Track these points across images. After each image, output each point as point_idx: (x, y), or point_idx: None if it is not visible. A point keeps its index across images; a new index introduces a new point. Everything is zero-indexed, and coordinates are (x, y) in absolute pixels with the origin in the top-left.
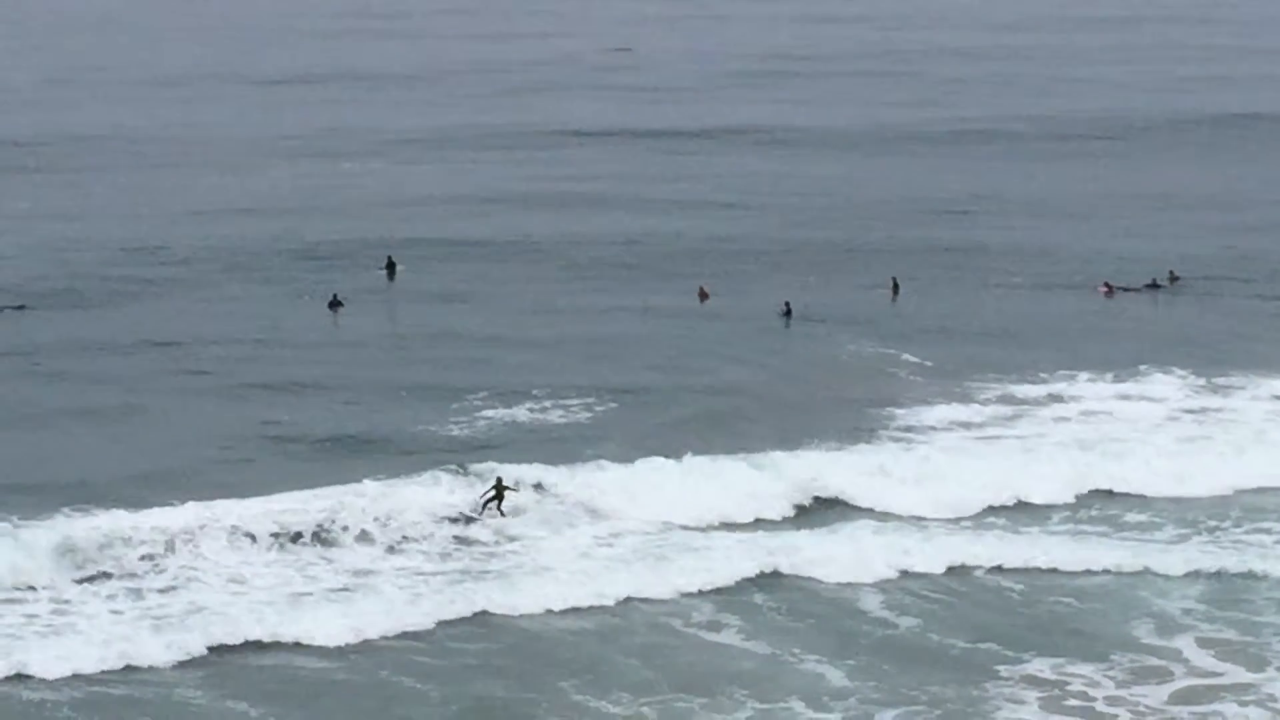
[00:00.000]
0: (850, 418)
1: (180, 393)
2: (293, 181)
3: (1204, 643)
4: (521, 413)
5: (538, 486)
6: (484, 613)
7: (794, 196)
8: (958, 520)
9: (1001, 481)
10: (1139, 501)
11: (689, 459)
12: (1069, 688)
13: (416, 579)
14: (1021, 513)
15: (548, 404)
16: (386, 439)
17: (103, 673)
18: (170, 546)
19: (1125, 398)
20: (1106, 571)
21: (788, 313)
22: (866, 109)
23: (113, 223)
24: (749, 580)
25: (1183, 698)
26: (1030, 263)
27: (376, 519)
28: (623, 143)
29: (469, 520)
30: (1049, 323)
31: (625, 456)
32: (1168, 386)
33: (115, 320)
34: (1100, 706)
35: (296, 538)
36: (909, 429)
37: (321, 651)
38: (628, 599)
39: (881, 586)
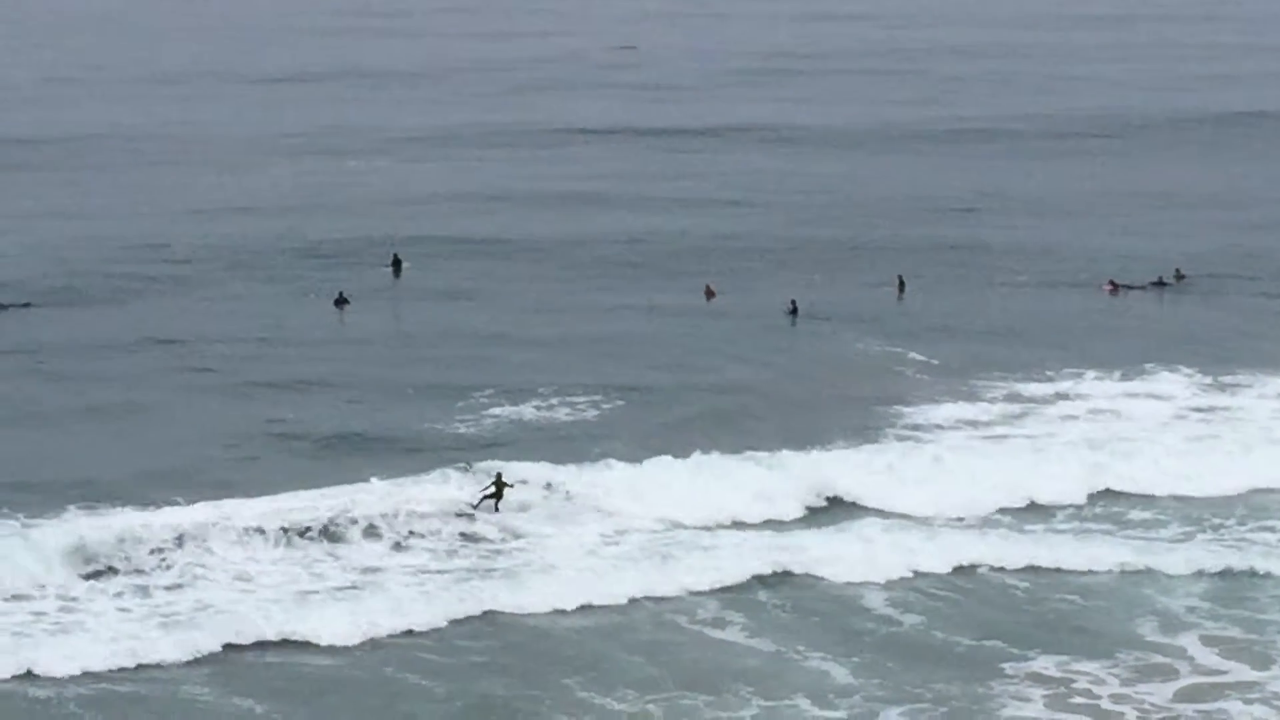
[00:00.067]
0: (857, 416)
1: (185, 391)
2: (296, 179)
3: (1209, 641)
4: (528, 411)
5: (547, 486)
6: (490, 611)
7: (799, 194)
8: (966, 520)
9: (1011, 482)
10: (1146, 500)
11: (696, 458)
12: (1074, 685)
13: (423, 577)
14: (1028, 511)
15: (554, 401)
16: (393, 437)
17: (110, 670)
18: (177, 545)
19: (1132, 396)
20: (1111, 570)
21: (794, 311)
22: (870, 107)
23: (115, 221)
24: (755, 579)
25: (1188, 695)
26: (1035, 261)
27: (383, 517)
28: (628, 141)
29: (475, 518)
30: (1054, 321)
31: (632, 455)
32: (1174, 385)
33: (119, 318)
34: (1106, 704)
35: (304, 535)
36: (916, 427)
37: (328, 649)
38: (633, 597)
39: (887, 585)
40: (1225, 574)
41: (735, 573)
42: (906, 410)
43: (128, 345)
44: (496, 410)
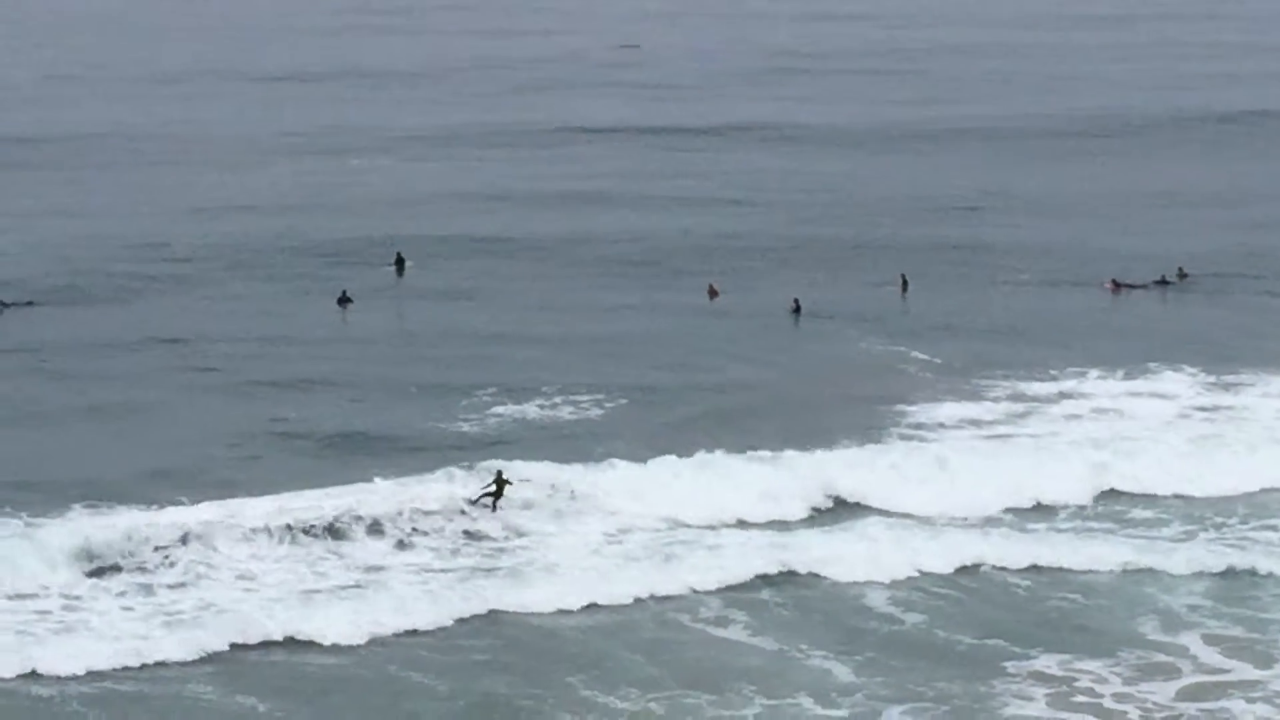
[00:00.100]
0: (860, 415)
1: (188, 390)
2: (298, 179)
3: (1211, 640)
4: (531, 410)
5: (550, 485)
6: (493, 610)
7: (801, 193)
8: (969, 519)
9: (1014, 481)
10: (1149, 500)
11: (699, 457)
12: (1076, 684)
13: (427, 576)
14: (1030, 510)
15: (557, 400)
16: (396, 435)
17: (114, 669)
18: (181, 544)
19: (1136, 395)
20: (1113, 569)
21: (796, 310)
22: (873, 106)
23: (118, 220)
24: (758, 578)
25: (1190, 694)
26: (1038, 260)
27: (386, 515)
28: (631, 140)
29: (476, 517)
30: (1057, 320)
31: (635, 454)
32: (1178, 384)
33: (122, 317)
34: (1108, 703)
35: (307, 534)
36: (919, 426)
37: (331, 648)
38: (636, 596)
39: (889, 584)
40: (1227, 573)
41: (738, 572)
42: (909, 409)
43: (131, 344)
44: (500, 409)
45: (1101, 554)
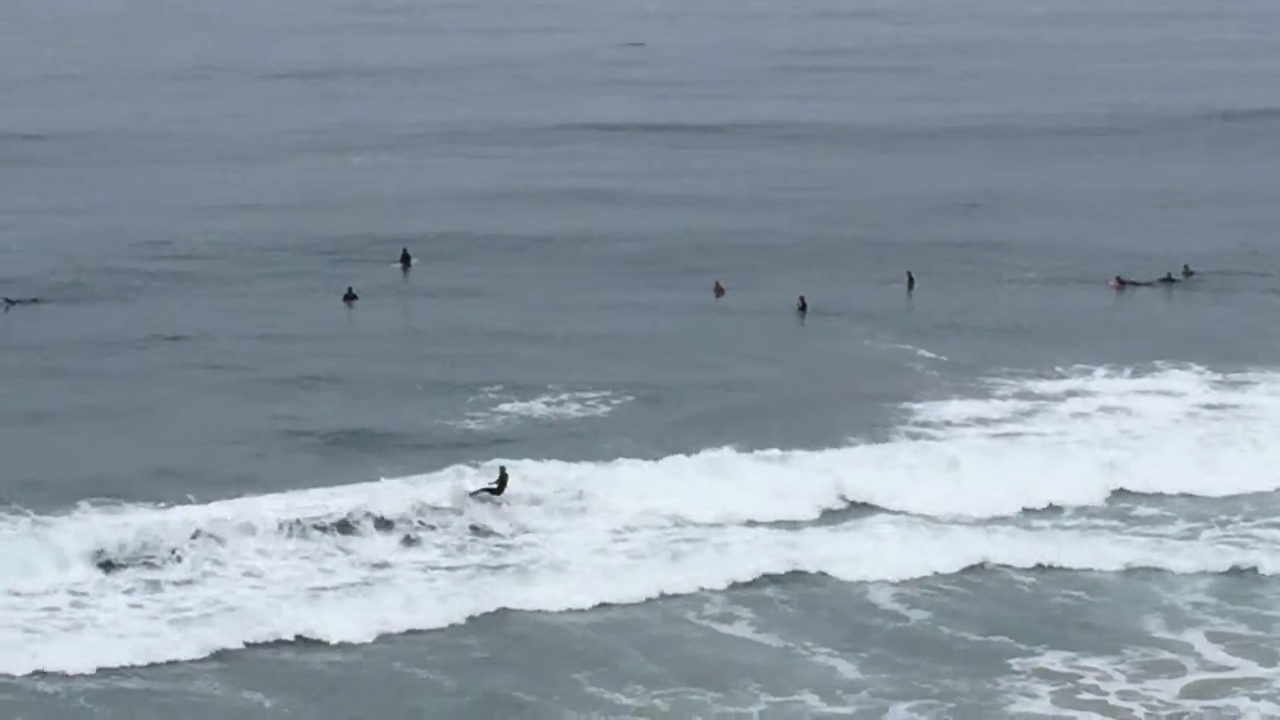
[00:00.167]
0: (867, 414)
1: (194, 387)
2: (302, 176)
3: (1215, 637)
4: (538, 407)
5: (557, 482)
6: (500, 607)
7: (807, 191)
8: (976, 518)
9: (1022, 480)
10: (1156, 498)
11: (706, 455)
12: (1081, 681)
13: (433, 573)
14: (1038, 509)
15: (564, 398)
16: (402, 433)
17: (121, 667)
18: (189, 541)
19: (1143, 393)
20: (1118, 567)
21: (803, 308)
22: (878, 104)
23: (123, 217)
24: (764, 576)
25: (1195, 692)
26: (1044, 258)
27: (393, 513)
28: (636, 138)
29: (482, 514)
30: (1063, 318)
31: (642, 452)
32: (1185, 382)
33: (127, 315)
34: (1113, 700)
35: (314, 531)
36: (926, 424)
37: (338, 645)
38: (643, 594)
39: (895, 582)
40: (1232, 571)
41: (743, 570)
42: (916, 407)
43: (136, 342)
44: (506, 407)
45: (1106, 551)
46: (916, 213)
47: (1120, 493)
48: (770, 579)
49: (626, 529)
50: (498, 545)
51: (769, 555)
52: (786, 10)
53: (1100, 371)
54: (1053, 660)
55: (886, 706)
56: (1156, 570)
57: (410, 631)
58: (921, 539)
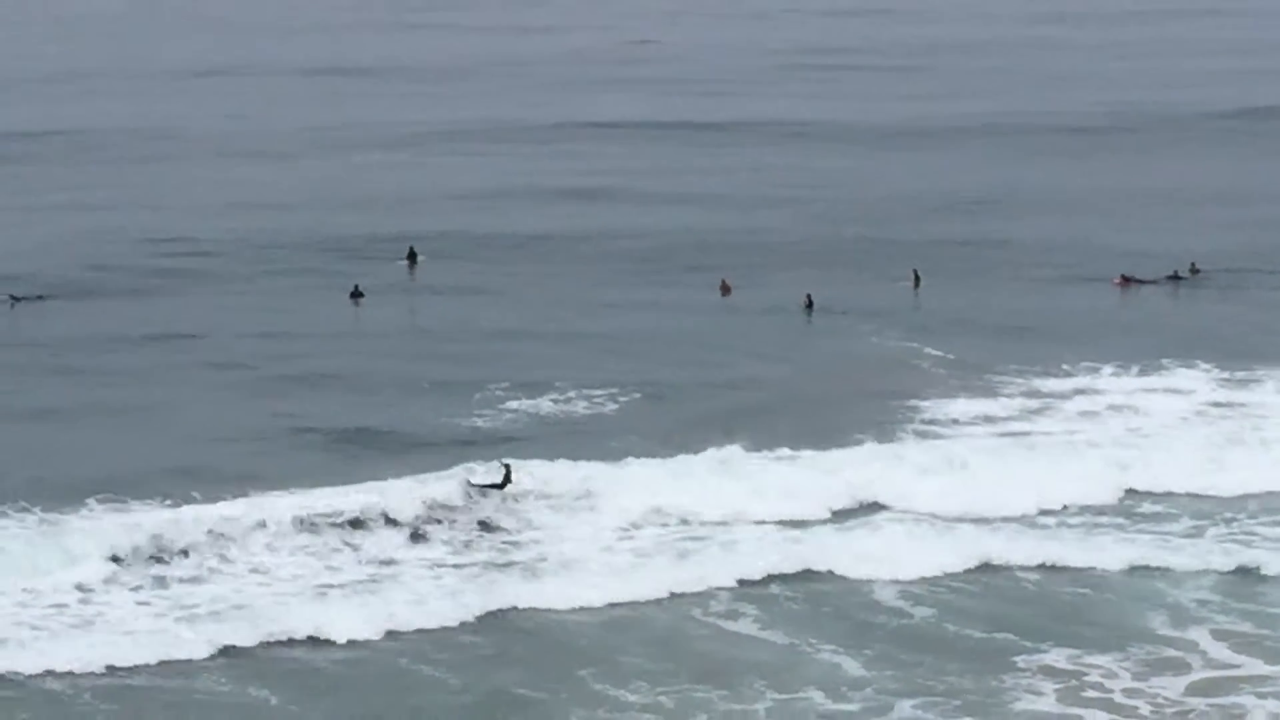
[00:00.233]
0: (874, 412)
1: (201, 385)
2: (307, 174)
3: (1220, 635)
4: (545, 405)
5: (565, 481)
6: (506, 605)
7: (813, 189)
8: (985, 517)
9: (1030, 479)
10: (1163, 496)
11: (713, 453)
12: (1086, 678)
13: (440, 571)
14: (1045, 507)
15: (571, 396)
16: (410, 431)
17: (130, 664)
18: (197, 539)
19: (1150, 391)
20: (1123, 564)
21: (809, 306)
22: (885, 102)
23: (128, 215)
24: (771, 574)
25: (1200, 689)
26: (1049, 256)
27: (400, 510)
28: (642, 136)
29: (489, 510)
30: (1070, 316)
31: (649, 450)
32: (1192, 380)
33: (132, 312)
34: (1118, 697)
35: (322, 528)
36: (934, 422)
37: (346, 642)
38: (649, 592)
39: (900, 580)
40: (1237, 569)
41: (750, 568)
42: (923, 405)
43: (142, 339)
44: (513, 404)
45: (1111, 549)
46: (920, 211)
47: (1129, 492)
48: (777, 577)
49: (634, 527)
50: (505, 543)
51: (776, 553)
52: (789, 9)
53: (1107, 370)
54: (1058, 658)
55: (892, 703)
56: (1162, 568)
57: (417, 629)
58: (928, 537)
